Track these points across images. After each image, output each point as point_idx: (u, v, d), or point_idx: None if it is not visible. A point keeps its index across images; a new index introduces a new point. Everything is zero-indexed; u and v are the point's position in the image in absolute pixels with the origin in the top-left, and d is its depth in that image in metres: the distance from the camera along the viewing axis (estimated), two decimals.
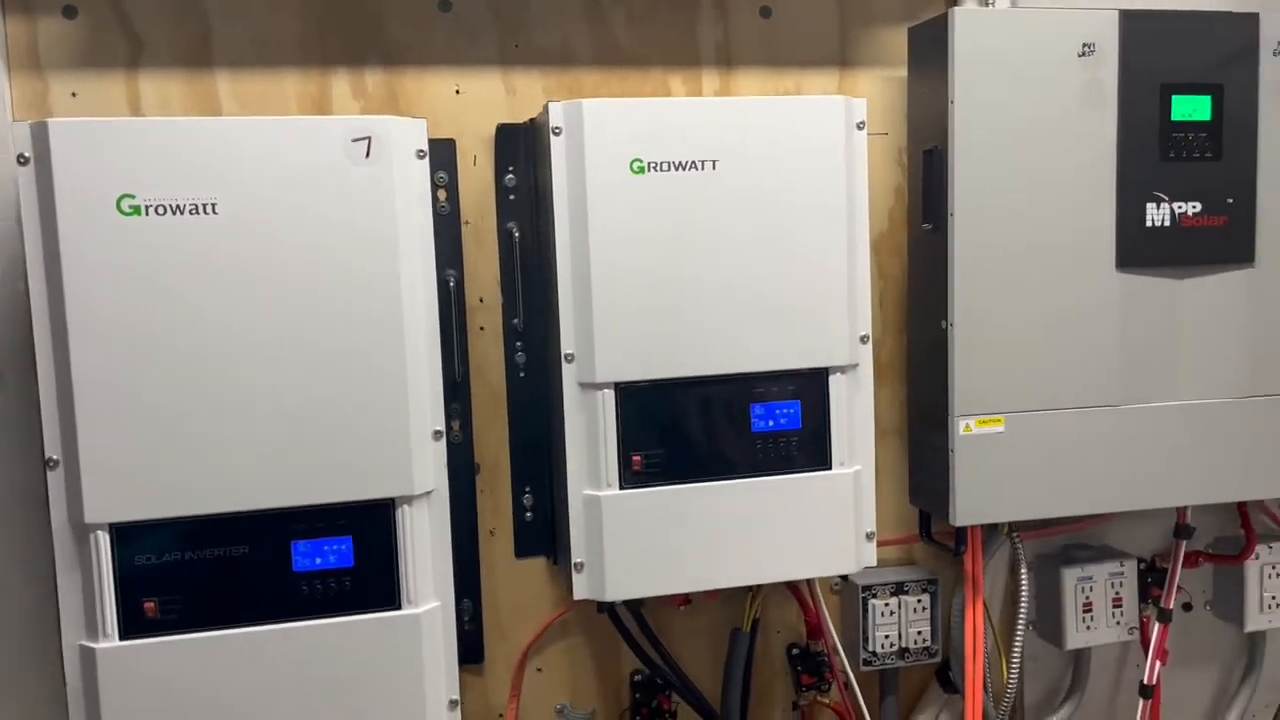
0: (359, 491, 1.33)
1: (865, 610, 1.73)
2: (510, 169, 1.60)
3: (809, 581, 1.67)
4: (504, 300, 1.61)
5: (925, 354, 1.67)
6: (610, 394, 1.44)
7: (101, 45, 1.46)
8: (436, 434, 1.37)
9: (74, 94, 1.46)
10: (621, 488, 1.45)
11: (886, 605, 1.73)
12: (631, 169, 1.41)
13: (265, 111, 1.52)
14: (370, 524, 1.35)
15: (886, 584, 1.74)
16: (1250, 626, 1.86)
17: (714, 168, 1.44)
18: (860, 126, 1.49)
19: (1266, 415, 1.68)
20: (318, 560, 1.33)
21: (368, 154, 1.31)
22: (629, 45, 1.65)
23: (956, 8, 1.58)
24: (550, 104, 1.41)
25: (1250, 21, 1.62)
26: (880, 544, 1.74)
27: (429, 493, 1.37)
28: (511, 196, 1.60)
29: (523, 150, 1.59)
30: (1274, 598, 1.85)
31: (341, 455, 1.32)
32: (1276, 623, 1.87)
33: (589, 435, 1.45)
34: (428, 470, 1.36)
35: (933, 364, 1.64)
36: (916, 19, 1.67)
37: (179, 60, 1.49)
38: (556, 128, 1.41)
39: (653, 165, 1.42)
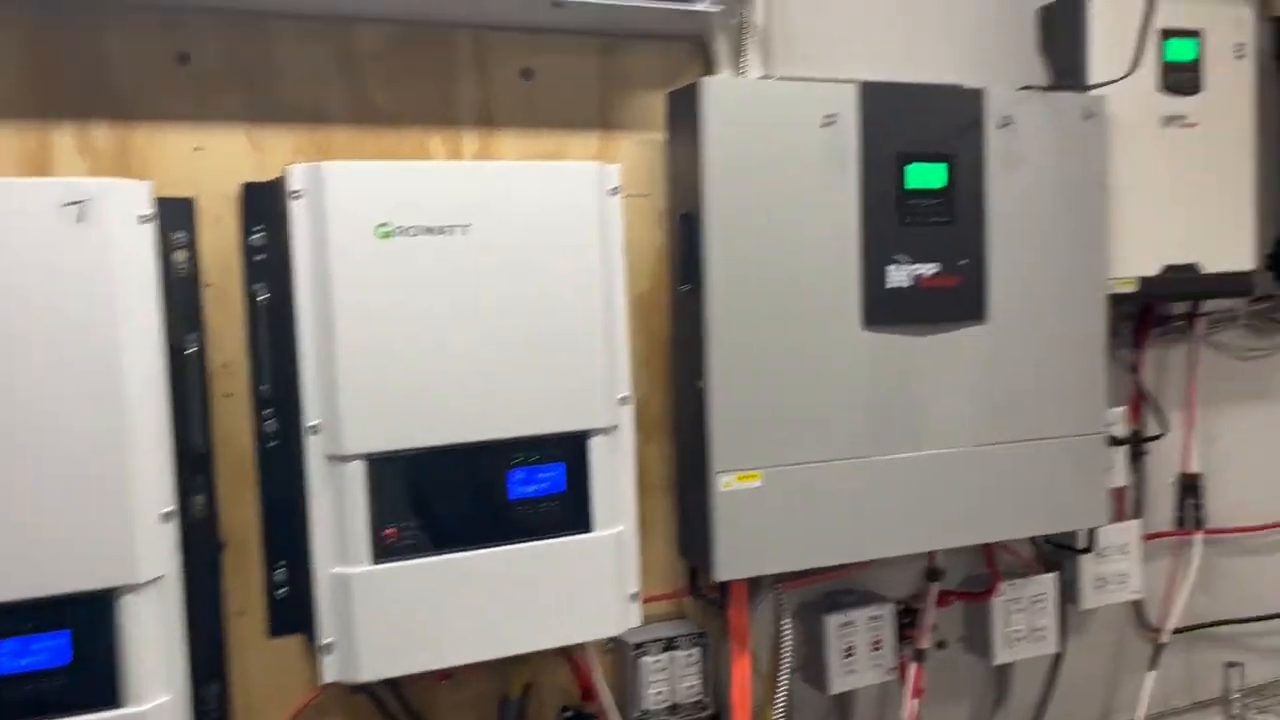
0: (74, 583, 1.23)
1: (636, 668, 1.73)
2: (257, 229, 1.53)
3: (580, 644, 1.66)
4: (251, 366, 1.54)
5: (687, 411, 1.70)
6: (360, 466, 1.39)
7: None
8: (166, 515, 1.28)
9: None
10: (374, 562, 1.40)
11: (657, 662, 1.74)
12: (378, 234, 1.38)
13: None
14: (87, 618, 1.24)
15: (658, 640, 1.75)
16: (998, 660, 1.98)
17: (465, 232, 1.42)
18: (614, 192, 1.51)
19: (1003, 462, 1.79)
20: (24, 661, 1.22)
21: (79, 218, 1.22)
22: (385, 104, 1.62)
23: (708, 76, 1.63)
24: (290, 167, 1.36)
25: (977, 96, 1.75)
26: (653, 599, 1.76)
27: (157, 579, 1.27)
28: (258, 257, 1.53)
29: (270, 210, 1.53)
30: (1017, 631, 1.97)
31: (55, 544, 1.21)
32: (1020, 654, 1.99)
33: (337, 509, 1.39)
34: (154, 555, 1.27)
35: (694, 421, 1.67)
36: (676, 84, 1.72)
37: None
38: (296, 191, 1.36)
39: (401, 230, 1.39)
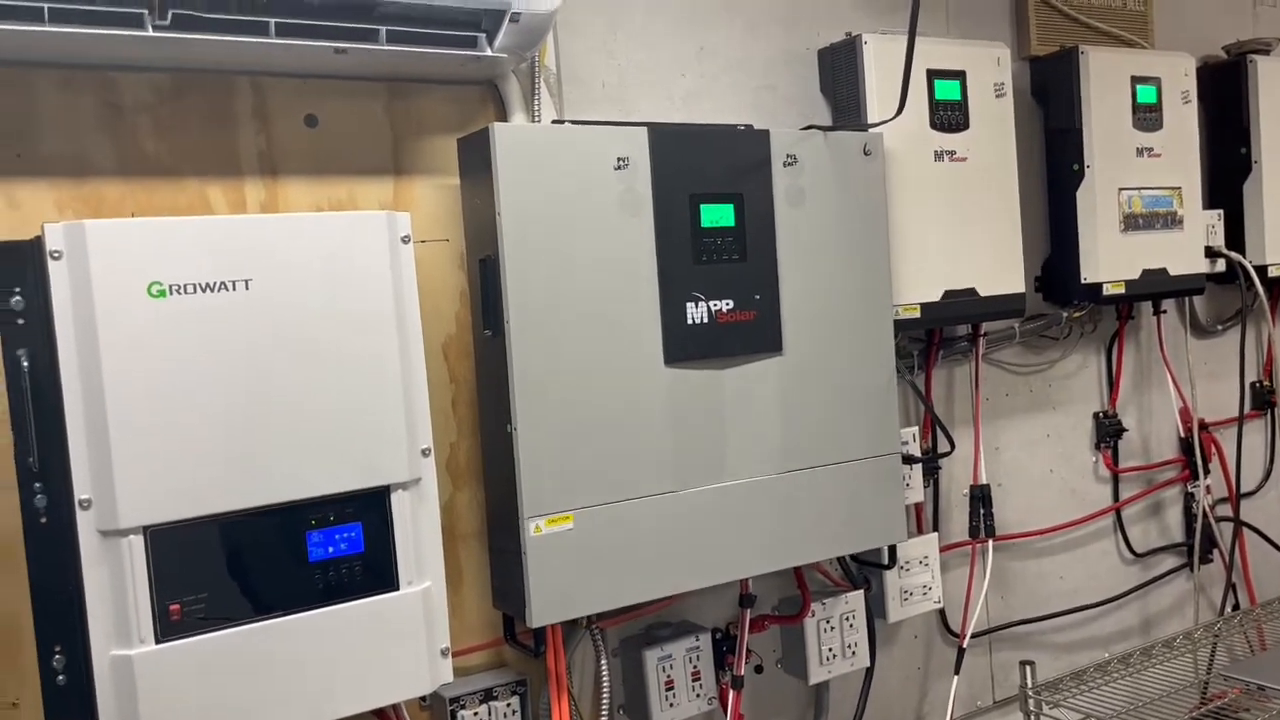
0: None
1: None
2: (16, 290, 1.42)
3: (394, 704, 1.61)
4: (15, 438, 1.42)
5: (496, 457, 1.69)
6: (138, 539, 1.31)
7: None
8: None
9: None
10: (158, 641, 1.32)
11: (475, 714, 1.71)
12: (150, 293, 1.31)
13: None
14: None
15: (475, 692, 1.72)
16: (814, 679, 2.04)
17: (247, 287, 1.37)
18: (405, 240, 1.49)
19: (805, 487, 1.85)
20: None
21: None
22: (158, 155, 1.54)
23: (498, 123, 1.63)
24: (47, 225, 1.28)
25: (763, 136, 1.82)
26: (469, 650, 1.73)
27: None
28: (20, 321, 1.42)
29: (31, 270, 1.42)
30: (830, 650, 2.04)
31: None
32: (835, 672, 2.06)
33: (115, 587, 1.31)
34: None
35: (503, 467, 1.65)
36: (470, 128, 1.71)
37: None
38: (56, 251, 1.28)
39: (175, 288, 1.32)
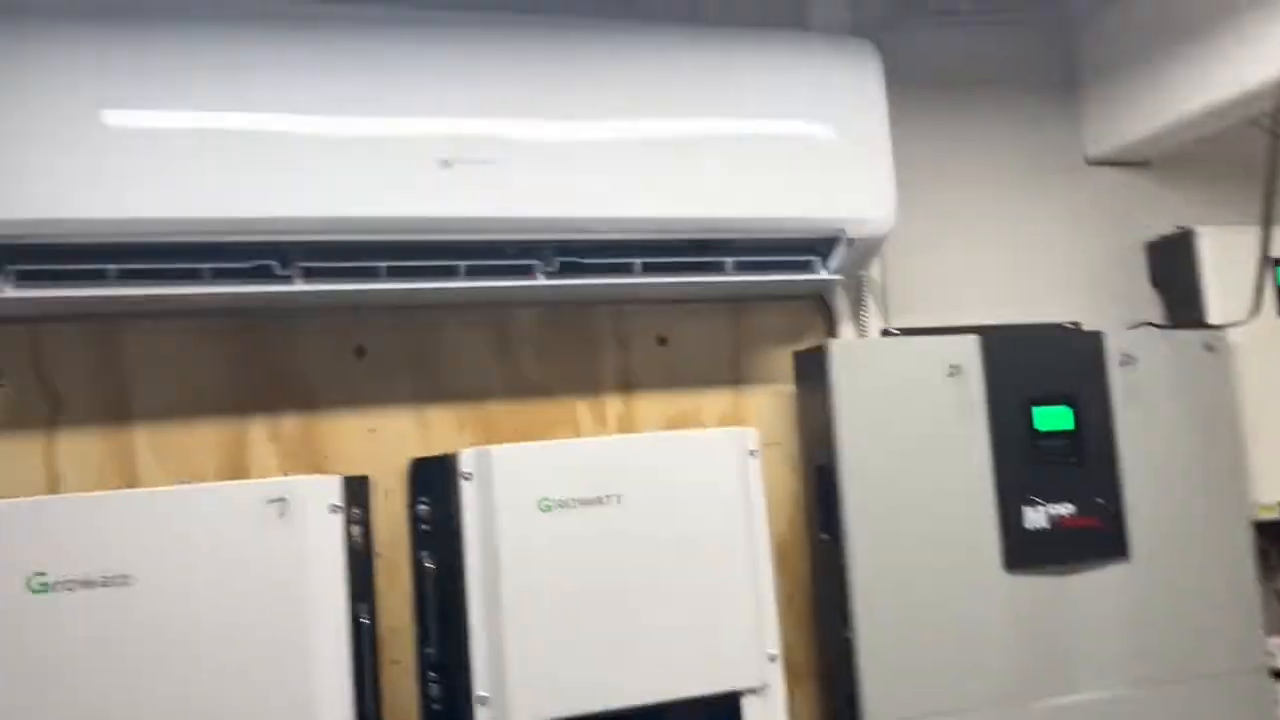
0: None
1: None
2: (423, 500, 1.65)
3: None
4: (417, 630, 1.62)
5: (834, 660, 1.72)
6: None
7: (22, 408, 1.51)
8: None
9: None
10: None
11: None
12: (540, 508, 1.48)
13: (181, 460, 1.56)
14: None
15: None
16: None
17: (619, 501, 1.51)
18: (753, 454, 1.60)
19: (1158, 703, 1.74)
20: None
21: (282, 514, 1.35)
22: (537, 378, 1.76)
23: (833, 339, 1.73)
24: (461, 451, 1.49)
25: (1097, 337, 1.81)
26: None
27: None
28: (424, 527, 1.64)
29: (435, 483, 1.65)
30: None
31: None
32: None
33: None
34: None
35: (841, 671, 1.68)
36: (800, 340, 1.83)
37: (98, 418, 1.54)
38: (467, 473, 1.48)
39: (560, 503, 1.49)
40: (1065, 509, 1.73)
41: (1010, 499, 1.72)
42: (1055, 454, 1.75)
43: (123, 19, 1.40)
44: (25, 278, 1.39)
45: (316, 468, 1.62)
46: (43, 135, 1.35)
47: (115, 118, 1.39)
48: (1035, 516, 1.72)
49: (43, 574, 1.26)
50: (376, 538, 1.62)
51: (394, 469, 1.66)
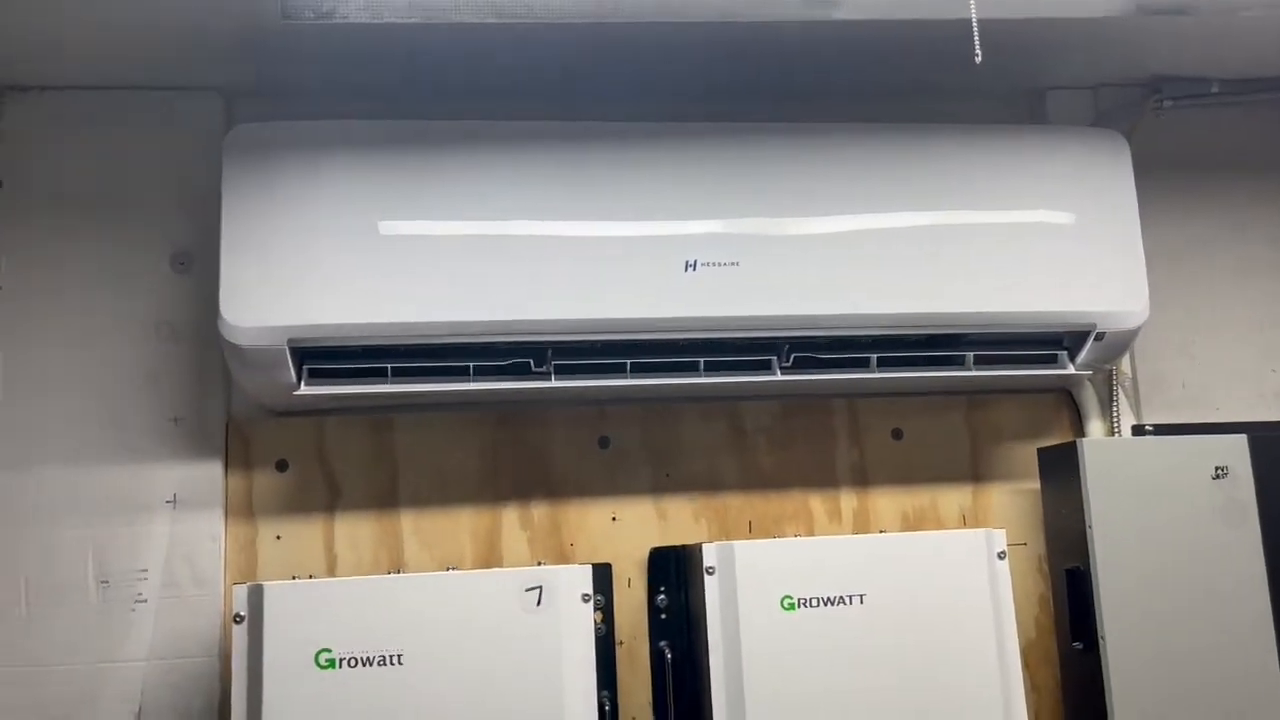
0: None
1: None
2: (661, 590, 1.69)
3: None
4: (654, 712, 1.65)
5: None
6: None
7: (306, 493, 1.66)
8: None
9: (278, 537, 1.64)
10: None
11: None
12: (782, 605, 1.49)
13: (442, 544, 1.67)
14: None
15: None
16: None
17: (861, 601, 1.50)
18: (1001, 556, 1.55)
19: None
20: None
21: (539, 602, 1.42)
22: (770, 470, 1.78)
23: (1085, 438, 1.67)
24: (704, 545, 1.52)
25: None
26: None
27: None
28: (663, 616, 1.68)
29: (674, 572, 1.69)
30: None
31: None
32: None
33: None
34: None
35: None
36: (1042, 436, 1.77)
37: (370, 504, 1.67)
38: (710, 567, 1.51)
39: (803, 602, 1.49)
40: None
41: None
42: None
43: (399, 144, 1.55)
44: (315, 375, 1.54)
45: (563, 555, 1.69)
46: (330, 249, 1.50)
47: (389, 228, 1.52)
48: None
49: (328, 650, 1.37)
50: (618, 625, 1.66)
51: (633, 557, 1.71)
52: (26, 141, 1.67)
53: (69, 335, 1.62)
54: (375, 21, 1.45)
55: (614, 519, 1.72)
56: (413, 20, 1.45)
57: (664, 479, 1.75)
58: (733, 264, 1.57)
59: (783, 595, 1.49)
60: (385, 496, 1.68)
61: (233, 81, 1.70)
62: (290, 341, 1.47)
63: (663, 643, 1.66)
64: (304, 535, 1.65)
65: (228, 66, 1.66)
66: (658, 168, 1.59)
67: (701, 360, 1.62)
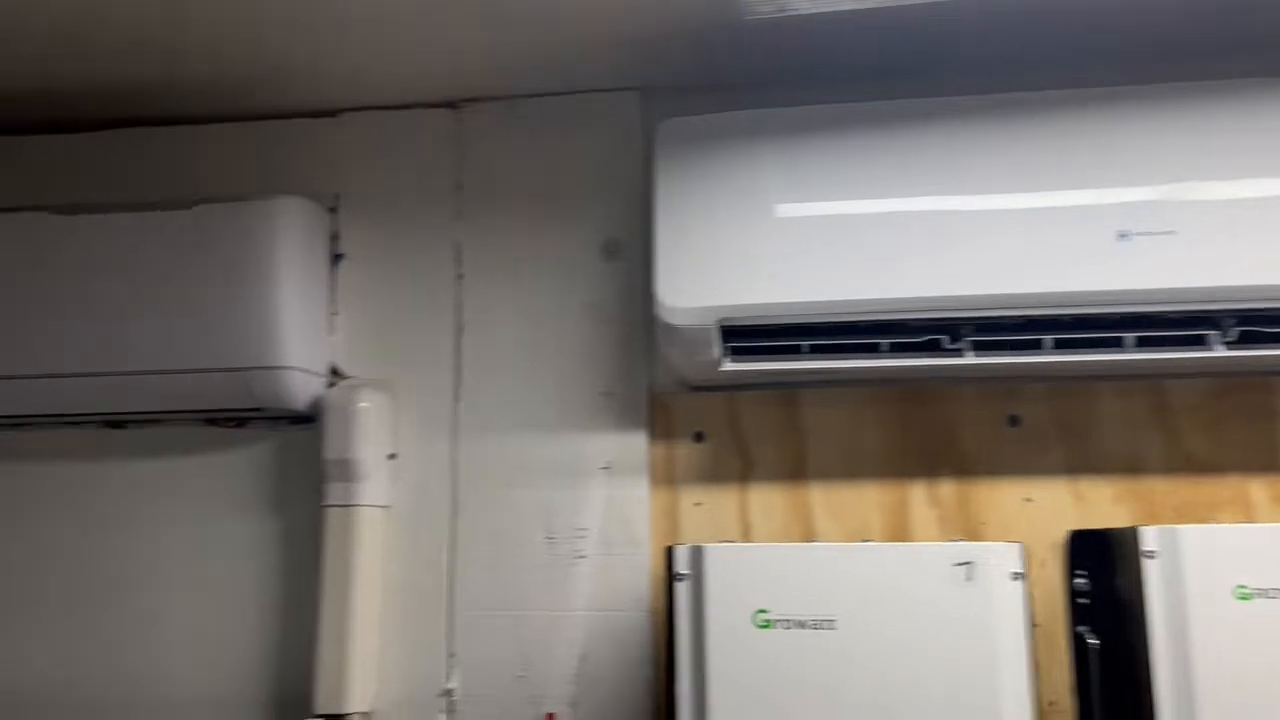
0: None
1: None
2: (1079, 574, 1.63)
3: None
4: (1078, 706, 1.60)
5: None
6: None
7: (721, 464, 1.76)
8: None
9: (697, 504, 1.75)
10: None
11: None
12: (1235, 595, 1.39)
13: (850, 517, 1.71)
14: None
15: None
16: None
17: None
18: None
19: None
20: None
21: (968, 577, 1.42)
22: (1200, 452, 1.66)
23: None
24: (1141, 529, 1.45)
25: None
26: None
27: None
28: (1081, 600, 1.62)
29: (1093, 557, 1.63)
30: None
31: None
32: None
33: None
34: None
35: None
36: None
37: (781, 475, 1.74)
38: (1150, 551, 1.44)
39: (1259, 592, 1.39)
40: None
41: None
42: None
43: (823, 128, 1.60)
44: (737, 353, 1.62)
45: (973, 533, 1.68)
46: (756, 234, 1.57)
47: (813, 209, 1.57)
48: None
49: (766, 611, 1.45)
50: (1033, 608, 1.63)
51: (1047, 539, 1.66)
52: (481, 147, 1.89)
53: (519, 318, 1.82)
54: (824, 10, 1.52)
55: (1027, 500, 1.68)
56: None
57: (1078, 460, 1.69)
58: (1169, 232, 1.48)
59: (1236, 585, 1.39)
60: (794, 469, 1.74)
61: (650, 80, 1.83)
62: (720, 321, 1.56)
63: (1082, 628, 1.61)
64: (720, 502, 1.74)
65: (649, 66, 1.78)
66: (1082, 137, 1.54)
67: (1130, 335, 1.54)
